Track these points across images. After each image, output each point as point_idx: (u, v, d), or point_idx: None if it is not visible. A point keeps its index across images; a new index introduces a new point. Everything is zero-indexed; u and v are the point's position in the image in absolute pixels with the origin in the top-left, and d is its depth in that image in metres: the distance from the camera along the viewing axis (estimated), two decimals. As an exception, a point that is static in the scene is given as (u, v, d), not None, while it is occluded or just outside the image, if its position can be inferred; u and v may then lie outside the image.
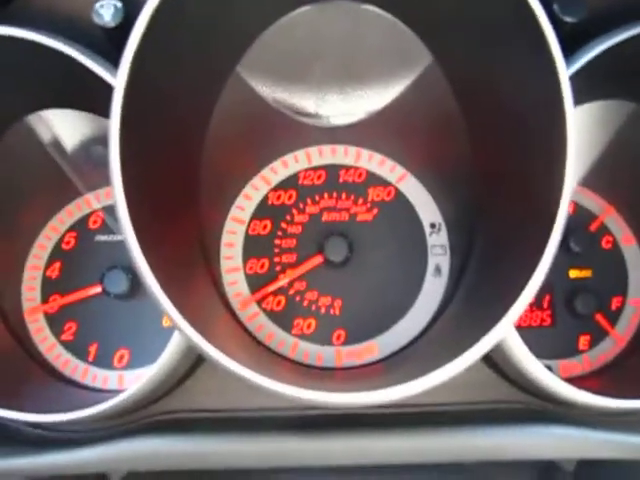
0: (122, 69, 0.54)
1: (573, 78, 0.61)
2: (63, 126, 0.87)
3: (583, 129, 0.87)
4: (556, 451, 0.72)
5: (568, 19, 0.67)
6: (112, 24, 0.66)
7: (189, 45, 0.64)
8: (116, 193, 0.55)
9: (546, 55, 0.56)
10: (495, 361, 0.76)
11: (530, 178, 0.65)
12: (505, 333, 0.57)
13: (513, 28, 0.60)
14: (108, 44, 0.68)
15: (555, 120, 0.57)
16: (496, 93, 0.69)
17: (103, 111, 0.56)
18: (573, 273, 0.92)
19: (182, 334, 0.56)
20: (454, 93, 0.79)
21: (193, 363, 0.77)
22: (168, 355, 0.68)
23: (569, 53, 0.66)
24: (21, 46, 0.68)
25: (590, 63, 0.65)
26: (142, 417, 0.77)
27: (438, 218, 0.91)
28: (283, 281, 0.88)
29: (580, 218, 0.93)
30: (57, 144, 0.89)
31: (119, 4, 0.65)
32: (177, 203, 0.74)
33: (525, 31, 0.57)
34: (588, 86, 0.64)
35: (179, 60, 0.63)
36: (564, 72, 0.56)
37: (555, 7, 0.68)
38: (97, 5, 0.65)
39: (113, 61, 0.62)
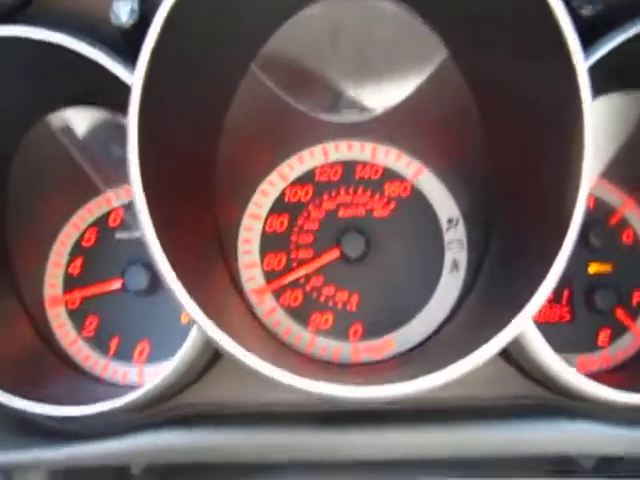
0: (139, 68, 0.55)
1: (591, 71, 0.60)
2: (83, 125, 0.89)
3: (602, 121, 0.86)
4: (575, 447, 0.72)
5: (585, 11, 0.66)
6: (129, 24, 0.67)
7: (204, 43, 0.64)
8: (135, 189, 0.56)
9: (564, 48, 0.55)
10: (513, 356, 0.75)
11: (547, 172, 0.64)
12: (523, 327, 0.57)
13: (530, 22, 0.59)
14: (126, 43, 0.69)
15: (572, 113, 0.56)
16: (512, 88, 0.69)
17: (122, 109, 0.57)
18: (593, 268, 0.91)
19: (201, 329, 0.56)
20: (470, 88, 0.79)
21: (212, 357, 0.77)
22: (187, 349, 0.69)
23: (586, 45, 0.65)
24: (40, 47, 0.69)
25: (607, 55, 0.64)
26: (162, 411, 0.78)
27: (455, 213, 0.91)
28: (299, 273, 0.88)
29: (600, 212, 0.92)
30: (77, 142, 0.90)
31: (135, 4, 0.66)
32: (194, 200, 0.75)
33: (542, 24, 0.56)
34: (605, 78, 0.63)
35: (195, 58, 0.64)
36: (582, 65, 0.55)
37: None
38: (114, 5, 0.66)
39: (131, 60, 0.63)
